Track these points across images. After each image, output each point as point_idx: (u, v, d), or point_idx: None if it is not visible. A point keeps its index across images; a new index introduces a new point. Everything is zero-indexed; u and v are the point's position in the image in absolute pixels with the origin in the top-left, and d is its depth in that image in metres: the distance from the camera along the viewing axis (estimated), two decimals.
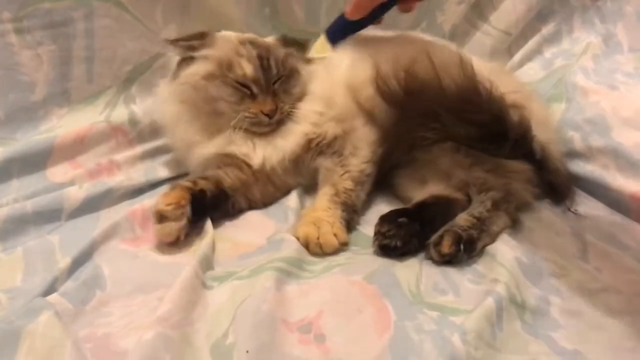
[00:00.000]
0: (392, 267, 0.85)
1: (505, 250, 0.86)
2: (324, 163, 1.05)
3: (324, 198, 0.99)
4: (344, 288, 0.80)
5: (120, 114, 1.22)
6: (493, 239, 0.90)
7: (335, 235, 0.91)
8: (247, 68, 1.03)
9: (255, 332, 0.69)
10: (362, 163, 1.04)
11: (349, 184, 1.01)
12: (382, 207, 1.05)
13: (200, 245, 0.88)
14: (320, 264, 0.87)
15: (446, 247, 0.86)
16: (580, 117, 1.13)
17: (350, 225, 0.96)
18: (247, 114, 1.02)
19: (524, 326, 0.74)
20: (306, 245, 0.90)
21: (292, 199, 1.05)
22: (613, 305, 0.78)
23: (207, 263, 0.85)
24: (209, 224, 0.95)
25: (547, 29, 1.42)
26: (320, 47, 1.07)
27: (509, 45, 1.45)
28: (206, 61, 1.04)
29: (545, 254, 0.88)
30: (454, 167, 1.00)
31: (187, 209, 0.91)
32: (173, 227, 0.90)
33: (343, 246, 0.91)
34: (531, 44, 1.44)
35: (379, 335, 0.72)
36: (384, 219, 0.91)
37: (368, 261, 0.87)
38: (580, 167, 1.06)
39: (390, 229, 0.89)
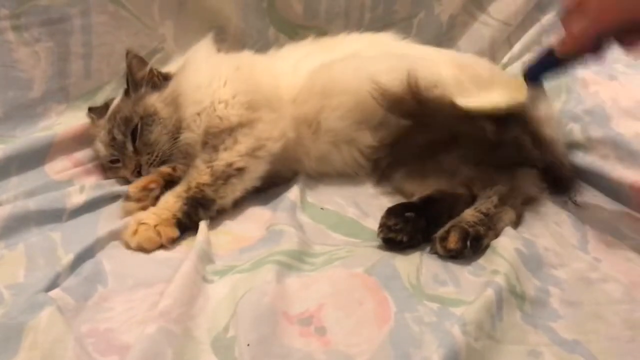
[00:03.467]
0: (392, 259, 0.85)
1: (505, 241, 0.86)
2: (196, 161, 1.00)
3: (168, 194, 0.97)
4: (345, 281, 0.81)
5: None
6: (498, 234, 0.89)
7: (156, 232, 0.89)
8: (102, 150, 1.10)
9: (255, 325, 0.70)
10: (233, 157, 0.99)
11: (205, 179, 0.97)
12: (383, 201, 1.05)
13: (197, 240, 0.89)
14: (320, 257, 0.87)
15: (453, 242, 0.86)
16: (580, 108, 1.13)
17: (191, 220, 0.93)
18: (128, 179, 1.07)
19: (523, 317, 0.74)
20: (125, 243, 0.90)
21: (293, 191, 1.04)
22: (612, 295, 0.78)
23: (206, 256, 0.86)
24: None
25: (546, 19, 1.42)
26: (515, 88, 0.95)
27: (508, 35, 1.45)
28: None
29: (545, 245, 0.88)
30: (459, 163, 0.99)
31: (155, 192, 0.98)
32: (132, 207, 0.96)
33: (169, 242, 0.90)
34: (530, 34, 1.43)
35: (379, 327, 0.72)
36: (390, 212, 0.91)
37: (369, 254, 0.87)
38: (579, 158, 1.06)
39: (397, 223, 0.88)
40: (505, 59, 1.44)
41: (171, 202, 0.94)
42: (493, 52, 1.44)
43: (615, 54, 1.19)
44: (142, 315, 0.74)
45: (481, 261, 0.85)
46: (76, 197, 1.01)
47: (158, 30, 1.28)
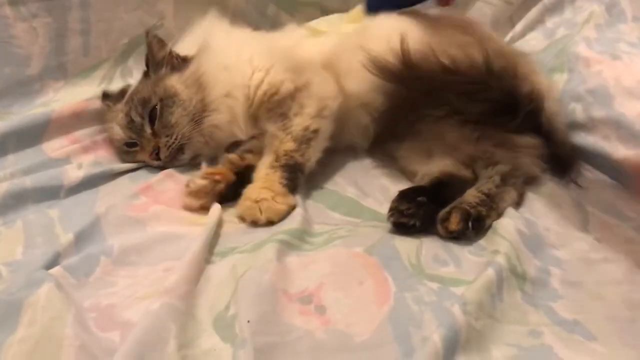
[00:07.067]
0: (393, 239, 0.85)
1: (506, 221, 0.86)
2: (270, 129, 1.02)
3: (262, 167, 0.97)
4: (345, 260, 0.81)
5: (117, 87, 1.21)
6: (500, 215, 0.89)
7: (278, 202, 0.91)
8: (119, 134, 1.08)
9: (256, 303, 0.70)
10: (306, 120, 1.02)
11: (289, 145, 0.99)
12: (383, 181, 1.05)
13: (210, 219, 0.89)
14: (320, 236, 0.87)
15: (454, 223, 0.85)
16: (582, 87, 1.11)
17: (294, 184, 0.96)
18: (146, 163, 1.07)
19: (524, 296, 0.74)
20: (252, 222, 0.91)
21: None
22: (612, 276, 0.78)
23: (215, 237, 0.86)
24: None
25: None
26: (354, 16, 1.07)
27: (511, 14, 1.43)
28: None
29: (546, 225, 0.88)
30: (460, 141, 0.98)
31: (220, 187, 0.96)
32: (193, 203, 0.95)
33: (292, 209, 0.92)
34: (533, 13, 1.41)
35: (379, 306, 0.72)
36: (402, 196, 0.90)
37: (369, 233, 0.87)
38: (581, 138, 1.05)
39: (410, 208, 0.87)
40: (507, 38, 1.43)
41: (270, 173, 0.95)
42: (495, 30, 1.42)
43: (618, 32, 1.20)
44: (145, 291, 0.75)
45: (482, 241, 0.85)
46: (74, 174, 1.01)
47: (157, 6, 1.26)
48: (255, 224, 0.90)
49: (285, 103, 1.03)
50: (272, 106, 1.04)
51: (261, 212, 0.90)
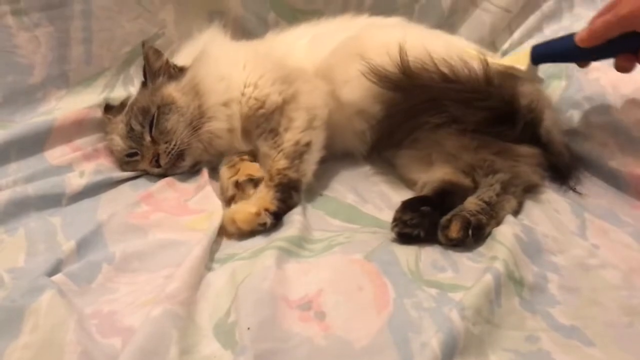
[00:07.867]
0: (391, 246, 0.86)
1: (504, 228, 0.86)
2: (262, 148, 1.04)
3: (259, 188, 0.98)
4: (344, 266, 0.81)
5: (119, 95, 1.22)
6: (499, 223, 0.89)
7: (256, 213, 0.90)
8: (119, 144, 1.09)
9: (256, 310, 0.70)
10: (296, 134, 1.02)
11: (282, 163, 0.99)
12: (382, 187, 1.05)
13: (212, 225, 0.89)
14: (320, 243, 0.87)
15: (454, 231, 0.85)
16: (580, 94, 1.12)
17: (287, 205, 0.94)
18: (147, 172, 1.08)
19: (522, 302, 0.74)
20: (224, 226, 0.91)
21: None
22: (610, 281, 0.78)
23: (216, 243, 0.87)
24: (218, 204, 0.96)
25: (547, 5, 1.41)
26: (519, 58, 1.01)
27: (509, 22, 1.44)
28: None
29: (544, 231, 0.88)
30: (460, 149, 0.98)
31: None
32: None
33: (266, 213, 0.91)
34: (531, 20, 1.42)
35: (379, 312, 0.72)
36: (406, 206, 0.89)
37: (368, 240, 0.87)
38: (579, 145, 1.06)
39: (413, 218, 0.87)
40: (505, 46, 1.43)
41: (263, 192, 0.95)
42: (493, 38, 1.43)
43: None
44: (146, 298, 0.75)
45: (480, 248, 0.85)
46: (76, 182, 1.02)
47: (158, 15, 1.27)
48: (226, 230, 0.91)
49: (273, 118, 1.04)
50: (260, 121, 1.05)
51: (235, 222, 0.90)
